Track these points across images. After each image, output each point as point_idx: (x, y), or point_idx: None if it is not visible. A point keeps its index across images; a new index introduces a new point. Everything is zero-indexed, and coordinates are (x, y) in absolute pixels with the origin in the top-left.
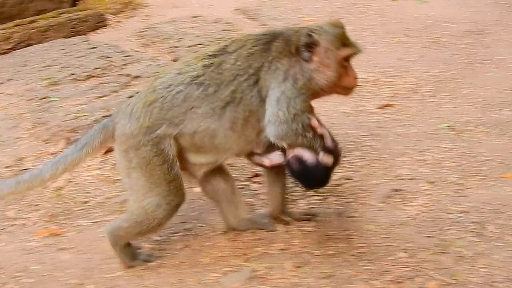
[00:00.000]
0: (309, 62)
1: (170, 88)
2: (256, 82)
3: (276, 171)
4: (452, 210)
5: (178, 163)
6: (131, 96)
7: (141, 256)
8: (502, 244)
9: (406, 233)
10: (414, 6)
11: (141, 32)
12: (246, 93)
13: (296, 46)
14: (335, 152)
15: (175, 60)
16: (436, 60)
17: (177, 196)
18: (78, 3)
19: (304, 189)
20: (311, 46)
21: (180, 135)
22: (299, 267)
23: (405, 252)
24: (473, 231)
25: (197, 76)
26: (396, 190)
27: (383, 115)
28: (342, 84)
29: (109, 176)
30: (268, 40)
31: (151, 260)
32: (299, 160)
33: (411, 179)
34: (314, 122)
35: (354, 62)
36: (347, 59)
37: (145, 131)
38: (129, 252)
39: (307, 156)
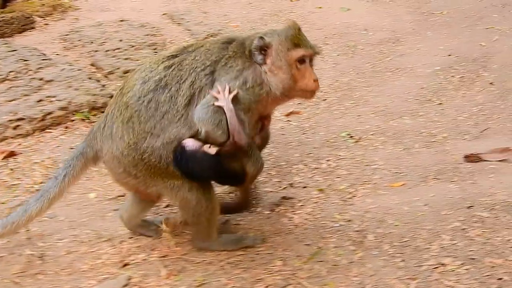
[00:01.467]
0: (262, 65)
1: (140, 99)
2: (212, 73)
3: None
4: (337, 218)
5: None
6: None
7: (247, 240)
8: (378, 253)
9: (288, 241)
10: (337, 14)
11: (66, 35)
12: (203, 83)
13: (250, 49)
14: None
15: (92, 65)
16: (349, 68)
17: None
18: (7, 5)
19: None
20: (263, 49)
21: (164, 145)
22: (174, 274)
23: (282, 260)
24: (353, 240)
25: (160, 80)
26: (286, 198)
27: (288, 122)
28: (299, 87)
29: (5, 181)
30: (226, 42)
31: (257, 243)
32: (182, 147)
33: (304, 187)
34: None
35: None
36: (301, 60)
37: (134, 146)
38: (229, 241)
39: (190, 143)
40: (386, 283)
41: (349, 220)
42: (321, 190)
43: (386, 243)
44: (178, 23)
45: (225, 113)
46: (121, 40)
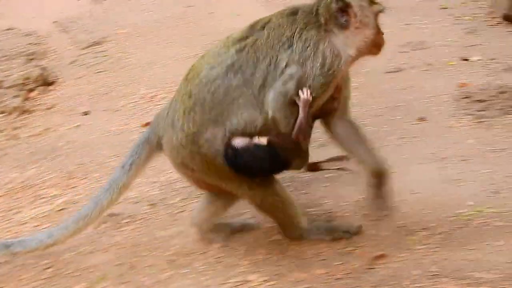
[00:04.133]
0: (345, 28)
1: (207, 86)
2: (290, 47)
3: None
4: (159, 235)
5: None
6: None
7: (340, 227)
8: (188, 271)
9: (101, 261)
10: (228, 19)
11: None
12: (281, 58)
13: (325, 15)
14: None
15: None
16: None
17: None
18: None
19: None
20: (344, 10)
21: (228, 133)
22: None
23: (86, 282)
24: (168, 258)
25: (232, 64)
26: (112, 214)
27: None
28: (378, 42)
29: None
30: (291, 13)
31: (352, 231)
32: (230, 146)
33: (136, 202)
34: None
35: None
36: (377, 15)
37: (193, 138)
38: (321, 231)
39: (238, 140)
40: None
41: (171, 236)
42: (152, 205)
43: (199, 260)
44: (66, 31)
45: (298, 110)
46: (1, 50)
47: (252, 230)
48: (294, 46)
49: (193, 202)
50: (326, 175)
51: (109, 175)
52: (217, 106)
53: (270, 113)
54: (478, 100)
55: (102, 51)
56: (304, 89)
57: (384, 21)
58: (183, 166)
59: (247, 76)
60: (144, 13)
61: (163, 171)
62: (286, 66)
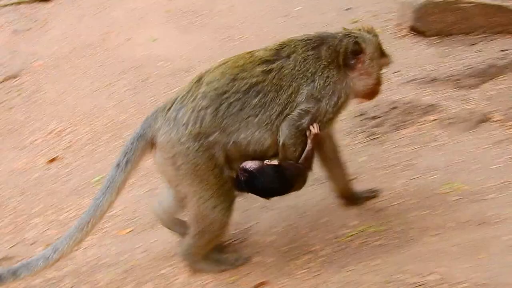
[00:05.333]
0: (352, 70)
1: (226, 95)
2: (312, 82)
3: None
4: (49, 277)
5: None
6: None
7: (228, 260)
8: None
9: None
10: (144, 45)
11: None
12: (301, 90)
13: (344, 54)
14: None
15: None
16: (131, 104)
17: (229, 195)
18: None
19: (265, 198)
20: (357, 53)
21: (232, 144)
22: None
23: None
24: None
25: (257, 83)
26: (5, 258)
27: (47, 170)
28: (375, 91)
29: None
30: (316, 45)
31: (238, 262)
32: (244, 170)
33: (32, 243)
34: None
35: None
36: (383, 68)
37: (195, 137)
38: (212, 262)
39: (250, 164)
40: None
41: (64, 276)
42: (49, 245)
43: None
44: None
45: (306, 141)
46: None
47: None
48: (316, 83)
49: (90, 237)
50: None
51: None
52: (230, 117)
53: (281, 140)
54: (372, 117)
55: (16, 86)
56: (315, 125)
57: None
58: (171, 162)
59: (268, 99)
60: (62, 42)
61: (65, 207)
62: (304, 100)
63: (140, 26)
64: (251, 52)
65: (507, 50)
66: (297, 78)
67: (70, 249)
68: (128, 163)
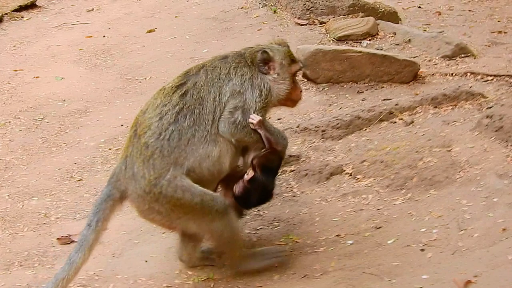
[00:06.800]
0: (266, 75)
1: (162, 135)
2: (230, 80)
3: None
4: None
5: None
6: None
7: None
8: None
9: None
10: (50, 84)
11: None
12: (223, 92)
13: (252, 60)
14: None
15: None
16: (19, 144)
17: (217, 202)
18: None
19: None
20: (266, 61)
21: (187, 171)
22: None
23: None
24: None
25: (180, 109)
26: None
27: None
28: (292, 97)
29: None
30: (222, 58)
31: (281, 256)
32: (235, 197)
33: None
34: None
35: None
36: (295, 73)
37: (155, 182)
38: (254, 261)
39: (237, 188)
40: None
41: None
42: None
43: None
44: None
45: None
46: None
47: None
48: (233, 80)
49: None
50: None
51: None
52: (175, 149)
53: (231, 139)
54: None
55: None
56: (252, 116)
57: None
58: (149, 211)
59: (196, 115)
60: None
61: None
62: (229, 97)
63: (51, 64)
64: (162, 87)
65: (389, 99)
66: (213, 84)
67: None
68: (99, 222)
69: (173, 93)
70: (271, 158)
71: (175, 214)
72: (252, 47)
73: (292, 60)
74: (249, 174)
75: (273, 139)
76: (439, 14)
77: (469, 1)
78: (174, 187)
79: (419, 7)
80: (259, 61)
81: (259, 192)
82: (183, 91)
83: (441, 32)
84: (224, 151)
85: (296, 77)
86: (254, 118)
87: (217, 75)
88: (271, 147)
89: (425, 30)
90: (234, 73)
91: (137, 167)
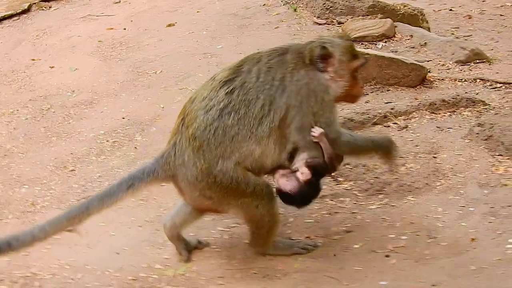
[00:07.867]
0: (323, 73)
1: (207, 129)
2: (283, 91)
3: None
4: None
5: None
6: None
7: (298, 245)
8: None
9: None
10: (64, 74)
11: None
12: (276, 102)
13: (310, 57)
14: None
15: None
16: (22, 133)
17: (264, 190)
18: None
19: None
20: (325, 57)
21: (237, 164)
22: None
23: None
24: None
25: (225, 107)
26: None
27: None
28: (352, 93)
29: None
30: (281, 53)
31: (308, 248)
32: (278, 190)
33: None
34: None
35: None
36: (356, 70)
37: (207, 172)
38: (282, 247)
39: (284, 183)
40: None
41: None
42: None
43: None
44: None
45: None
46: None
47: None
48: (287, 92)
49: None
50: None
51: None
52: (220, 144)
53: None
54: None
55: None
56: (314, 129)
57: None
58: (201, 196)
59: (241, 115)
60: None
61: None
62: (285, 112)
63: (68, 55)
64: (212, 77)
65: (391, 102)
66: (263, 90)
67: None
68: (131, 188)
69: (220, 88)
70: (325, 166)
71: (226, 200)
72: (313, 41)
73: (354, 55)
74: (305, 175)
75: (332, 154)
76: (470, 18)
77: (502, 6)
78: (229, 178)
79: (450, 10)
80: (317, 57)
81: (308, 195)
82: (230, 89)
83: (469, 36)
84: (267, 152)
85: (358, 73)
86: (316, 131)
87: (270, 80)
88: (330, 160)
89: (452, 33)
90: (289, 79)
91: (187, 155)
